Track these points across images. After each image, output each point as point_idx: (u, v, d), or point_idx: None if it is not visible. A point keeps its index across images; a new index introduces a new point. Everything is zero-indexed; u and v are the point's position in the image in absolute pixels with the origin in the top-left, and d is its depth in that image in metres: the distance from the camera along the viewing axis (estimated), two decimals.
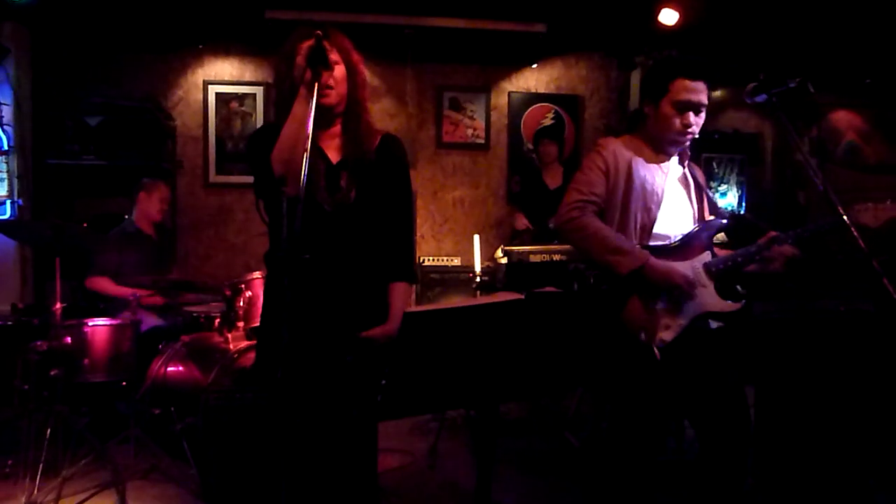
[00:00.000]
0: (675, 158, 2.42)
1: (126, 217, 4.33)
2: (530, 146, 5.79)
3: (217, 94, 5.59)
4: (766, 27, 5.04)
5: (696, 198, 2.44)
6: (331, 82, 1.93)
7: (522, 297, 1.31)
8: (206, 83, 5.57)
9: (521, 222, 5.01)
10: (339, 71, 1.97)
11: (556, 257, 3.78)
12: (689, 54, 5.28)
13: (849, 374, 2.89)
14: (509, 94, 5.95)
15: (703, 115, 2.31)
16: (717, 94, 6.34)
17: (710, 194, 2.48)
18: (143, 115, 5.20)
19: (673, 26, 4.96)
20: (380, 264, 2.07)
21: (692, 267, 2.29)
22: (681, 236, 2.34)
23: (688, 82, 2.27)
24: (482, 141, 5.92)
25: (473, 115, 5.91)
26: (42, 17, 4.87)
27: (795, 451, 2.93)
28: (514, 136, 5.94)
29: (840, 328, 2.95)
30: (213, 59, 5.60)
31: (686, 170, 2.45)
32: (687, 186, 2.44)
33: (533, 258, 3.77)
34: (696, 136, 2.33)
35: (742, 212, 6.32)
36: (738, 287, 2.31)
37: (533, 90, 6.00)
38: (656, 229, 2.32)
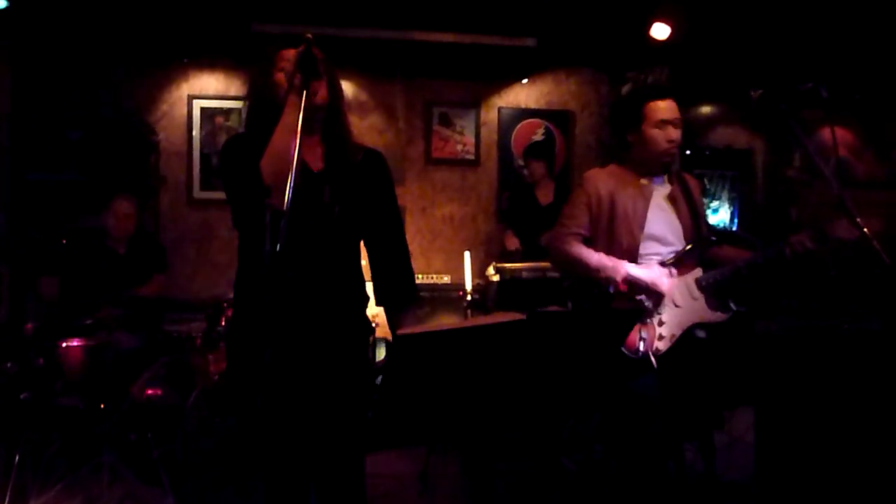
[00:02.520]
0: (661, 179, 2.56)
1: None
2: (521, 162, 5.72)
3: (202, 108, 5.47)
4: (758, 42, 5.01)
5: (687, 214, 2.55)
6: (318, 88, 1.84)
7: (524, 316, 1.21)
8: (190, 97, 5.46)
9: (512, 242, 4.92)
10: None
11: (549, 274, 3.69)
12: (680, 70, 5.25)
13: (850, 394, 2.82)
14: (499, 109, 5.88)
15: (680, 129, 2.48)
16: (709, 109, 6.32)
17: (700, 208, 2.60)
18: (125, 129, 5.09)
19: (664, 41, 4.91)
20: (379, 290, 2.03)
21: (685, 283, 2.47)
22: (670, 257, 2.49)
23: (659, 102, 2.46)
24: (472, 157, 5.84)
25: (463, 130, 5.83)
26: (22, 28, 4.76)
27: (796, 470, 2.85)
28: (504, 151, 5.86)
29: (843, 347, 2.88)
30: (199, 73, 5.49)
31: (676, 185, 2.57)
32: (676, 204, 2.55)
33: (526, 275, 3.68)
34: (678, 150, 2.50)
35: (734, 228, 6.28)
36: (731, 302, 2.50)
37: (523, 106, 5.93)
38: (644, 251, 2.48)
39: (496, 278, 3.77)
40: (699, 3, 4.73)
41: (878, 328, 2.88)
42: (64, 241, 4.77)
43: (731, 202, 6.38)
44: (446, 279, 5.16)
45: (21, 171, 4.88)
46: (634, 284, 2.40)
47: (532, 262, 3.89)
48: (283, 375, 1.75)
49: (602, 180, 2.55)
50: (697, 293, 2.48)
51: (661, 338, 2.39)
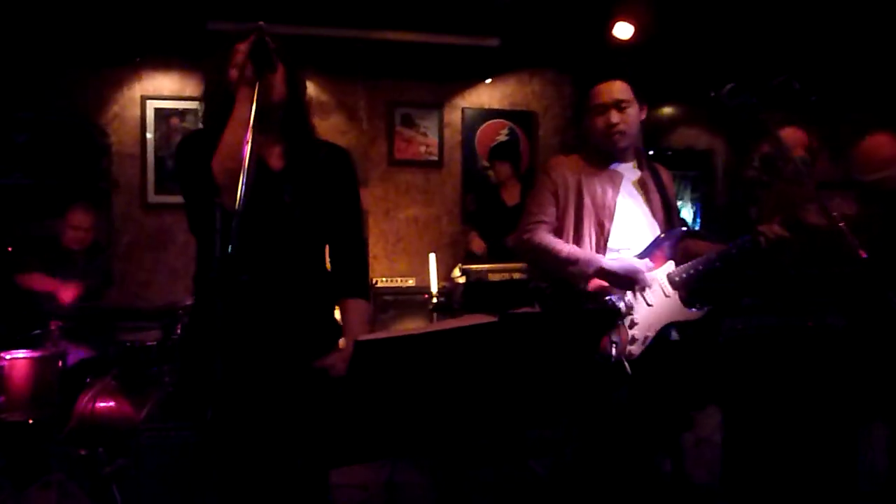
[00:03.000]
0: (629, 165, 2.44)
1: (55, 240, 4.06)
2: (485, 163, 5.67)
3: (156, 109, 5.30)
4: (721, 42, 5.04)
5: (659, 204, 2.43)
6: (273, 80, 1.74)
7: (495, 318, 1.13)
8: (143, 98, 5.27)
9: (477, 243, 4.86)
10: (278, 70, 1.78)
11: (516, 276, 3.64)
12: (642, 70, 5.25)
13: (816, 392, 2.82)
14: (463, 110, 5.82)
15: (629, 110, 2.35)
16: (670, 110, 6.35)
17: (672, 199, 2.47)
18: (74, 131, 4.88)
19: (627, 41, 4.91)
20: (331, 282, 1.91)
21: (657, 279, 2.34)
22: (641, 249, 2.36)
23: (599, 86, 2.35)
24: (435, 158, 5.77)
25: (426, 131, 5.76)
26: None
27: (764, 470, 2.84)
28: (468, 152, 5.81)
29: (808, 344, 2.88)
30: (152, 72, 5.31)
31: (647, 172, 2.45)
32: (646, 192, 2.43)
33: (492, 277, 3.62)
34: (627, 132, 2.36)
35: (696, 228, 6.32)
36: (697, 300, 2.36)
37: (487, 106, 5.89)
38: (612, 243, 2.35)
39: (462, 280, 3.71)
40: (661, 2, 4.74)
41: (841, 324, 2.89)
42: (10, 249, 4.59)
43: (693, 203, 6.43)
44: (411, 282, 5.08)
45: None
46: (607, 280, 2.26)
47: (498, 263, 3.83)
48: (238, 386, 1.64)
49: (568, 166, 2.44)
50: (670, 290, 2.34)
51: (633, 341, 2.26)
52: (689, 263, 2.35)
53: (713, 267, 2.33)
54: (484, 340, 1.17)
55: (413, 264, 5.62)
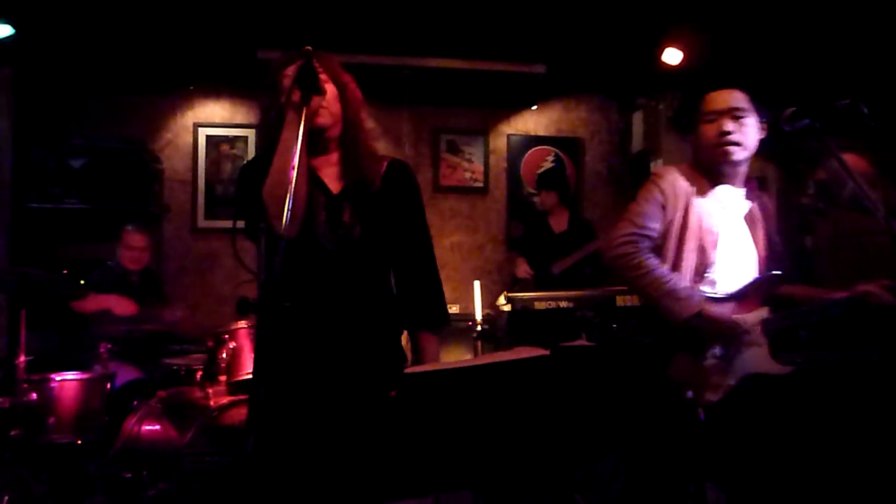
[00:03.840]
0: (739, 192, 2.20)
1: (108, 262, 4.14)
2: (530, 190, 5.61)
3: (207, 136, 5.41)
4: (771, 68, 4.92)
5: (763, 240, 2.20)
6: (322, 102, 1.73)
7: (546, 352, 1.07)
8: (196, 125, 5.40)
9: (523, 269, 4.79)
10: (330, 90, 1.77)
11: (563, 304, 3.55)
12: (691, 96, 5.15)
13: (883, 429, 2.66)
14: (508, 136, 5.80)
15: (745, 121, 2.12)
16: None
17: (775, 236, 2.22)
18: (128, 157, 5.00)
19: (676, 66, 4.83)
20: (402, 309, 1.84)
21: (748, 323, 2.07)
22: (737, 287, 2.11)
23: (713, 94, 2.15)
24: (480, 184, 5.74)
25: (471, 158, 5.75)
26: (25, 56, 4.71)
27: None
28: (513, 179, 5.76)
29: (874, 380, 2.73)
30: (204, 100, 5.44)
31: (756, 203, 2.22)
32: (753, 225, 2.20)
33: (538, 305, 3.54)
34: (744, 144, 2.12)
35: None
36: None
37: (532, 133, 5.85)
38: (711, 274, 2.12)
39: (507, 308, 3.63)
40: (711, 28, 4.65)
41: (874, 359, 2.71)
42: (65, 272, 4.70)
43: None
44: (455, 309, 5.02)
45: (22, 200, 4.80)
46: (702, 326, 2.00)
47: (544, 290, 3.75)
48: (282, 414, 1.61)
49: (678, 179, 2.16)
50: (762, 338, 2.08)
51: (715, 387, 1.99)
52: (787, 313, 2.11)
53: (809, 322, 2.15)
54: (534, 374, 1.11)
55: (457, 291, 5.57)
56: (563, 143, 5.85)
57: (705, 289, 2.10)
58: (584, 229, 4.77)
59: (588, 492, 3.63)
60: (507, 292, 3.82)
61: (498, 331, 4.04)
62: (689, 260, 2.11)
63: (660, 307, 2.01)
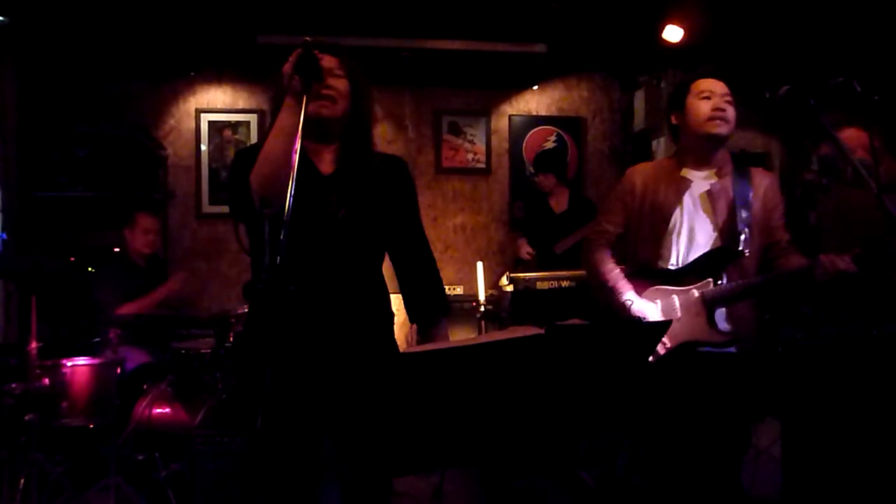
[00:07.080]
0: (704, 173, 2.34)
1: (116, 250, 4.18)
2: (532, 170, 5.63)
3: (210, 122, 5.43)
4: (773, 45, 4.90)
5: (725, 218, 2.28)
6: (332, 94, 1.77)
7: (541, 331, 1.11)
8: (198, 111, 5.42)
9: (525, 250, 4.82)
10: (343, 85, 1.81)
11: (564, 283, 3.60)
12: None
13: (880, 402, 2.70)
14: (510, 117, 5.80)
15: (731, 108, 2.29)
16: None
17: (745, 212, 2.27)
18: (132, 144, 5.03)
19: (677, 44, 4.81)
20: (407, 305, 1.94)
21: (690, 296, 2.24)
22: (689, 261, 2.28)
23: (706, 80, 2.32)
24: (483, 165, 5.76)
25: (473, 139, 5.76)
26: (28, 44, 4.73)
27: (826, 484, 2.73)
28: (515, 160, 5.78)
29: (874, 354, 2.77)
30: (206, 86, 5.45)
31: (728, 181, 2.31)
32: (714, 202, 2.30)
33: (540, 285, 3.58)
34: (730, 123, 2.29)
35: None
36: (727, 324, 2.25)
37: (534, 113, 5.85)
38: (667, 249, 2.31)
39: (510, 288, 3.68)
40: (712, 5, 4.63)
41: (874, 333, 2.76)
42: (72, 259, 4.76)
43: None
44: (458, 290, 5.07)
45: (28, 188, 4.85)
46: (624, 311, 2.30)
47: (547, 271, 3.79)
48: (289, 394, 1.66)
49: (641, 172, 2.42)
50: (700, 308, 2.23)
51: (662, 344, 2.23)
52: (727, 284, 2.22)
53: (753, 290, 2.23)
54: (531, 352, 1.15)
55: (461, 272, 5.62)
56: (564, 123, 5.85)
57: (661, 263, 2.31)
58: (584, 208, 4.78)
59: (592, 467, 3.70)
60: (510, 273, 3.85)
61: (501, 311, 4.08)
62: (647, 242, 2.33)
63: (601, 296, 2.34)
